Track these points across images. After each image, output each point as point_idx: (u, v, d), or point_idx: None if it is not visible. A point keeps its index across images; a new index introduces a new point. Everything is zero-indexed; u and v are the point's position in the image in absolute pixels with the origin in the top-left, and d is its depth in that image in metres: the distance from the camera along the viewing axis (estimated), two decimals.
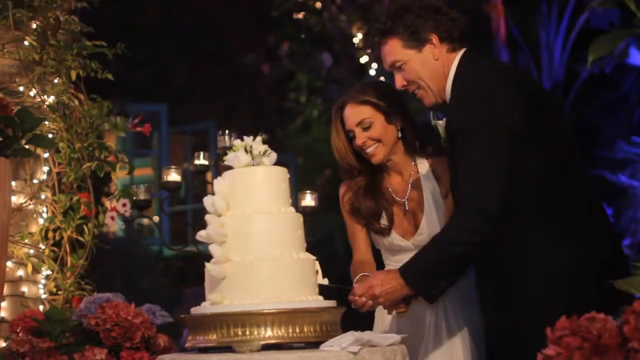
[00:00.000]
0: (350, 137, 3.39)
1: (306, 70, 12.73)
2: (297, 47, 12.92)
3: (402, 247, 3.40)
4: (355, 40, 12.42)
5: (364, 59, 12.27)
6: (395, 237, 3.40)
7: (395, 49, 3.12)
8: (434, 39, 3.09)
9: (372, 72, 12.10)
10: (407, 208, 3.41)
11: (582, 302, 2.34)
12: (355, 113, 3.34)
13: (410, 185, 3.42)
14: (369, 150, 3.35)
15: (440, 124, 3.15)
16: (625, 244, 10.29)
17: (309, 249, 2.95)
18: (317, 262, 2.94)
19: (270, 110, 13.60)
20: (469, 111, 2.92)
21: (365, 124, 3.32)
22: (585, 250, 2.91)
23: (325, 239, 9.52)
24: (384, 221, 3.41)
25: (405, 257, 3.20)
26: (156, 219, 9.34)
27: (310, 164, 12.88)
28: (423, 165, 3.42)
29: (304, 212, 4.66)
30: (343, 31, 12.48)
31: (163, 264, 9.65)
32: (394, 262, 3.40)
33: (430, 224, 3.33)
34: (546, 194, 2.93)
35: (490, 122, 2.87)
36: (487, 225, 2.83)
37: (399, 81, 3.16)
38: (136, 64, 10.55)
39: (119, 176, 4.39)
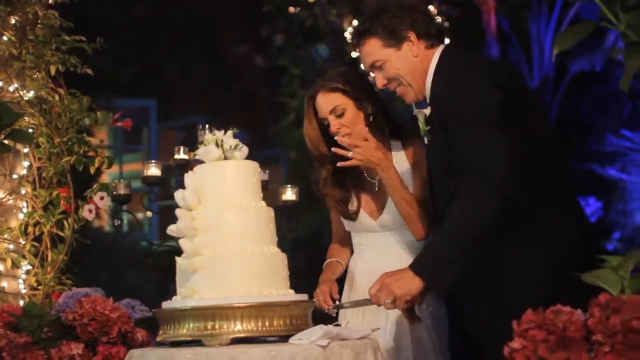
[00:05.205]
0: (323, 126, 3.41)
1: (298, 63, 12.71)
2: (289, 40, 12.90)
3: (368, 226, 3.43)
4: (346, 34, 12.40)
5: (355, 54, 12.25)
6: (362, 215, 3.44)
7: (374, 49, 3.17)
8: (412, 36, 3.13)
9: (363, 67, 12.07)
10: (377, 189, 3.44)
11: (558, 300, 2.32)
12: (327, 101, 3.37)
13: None
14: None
15: (423, 112, 3.15)
16: (615, 237, 10.28)
17: (295, 244, 2.94)
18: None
19: (261, 105, 13.56)
20: (460, 97, 2.93)
21: (338, 111, 3.36)
22: (557, 247, 2.90)
23: (313, 234, 9.52)
24: (352, 206, 3.45)
25: (368, 239, 3.40)
26: (149, 214, 9.33)
27: (303, 158, 12.83)
28: (397, 150, 3.44)
29: (285, 206, 4.66)
30: (334, 25, 12.46)
31: (151, 259, 9.64)
32: (357, 245, 3.50)
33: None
34: (519, 189, 2.91)
35: (481, 111, 2.87)
36: (493, 195, 2.77)
37: (380, 81, 3.21)
38: (126, 59, 10.53)
39: (108, 171, 4.38)
